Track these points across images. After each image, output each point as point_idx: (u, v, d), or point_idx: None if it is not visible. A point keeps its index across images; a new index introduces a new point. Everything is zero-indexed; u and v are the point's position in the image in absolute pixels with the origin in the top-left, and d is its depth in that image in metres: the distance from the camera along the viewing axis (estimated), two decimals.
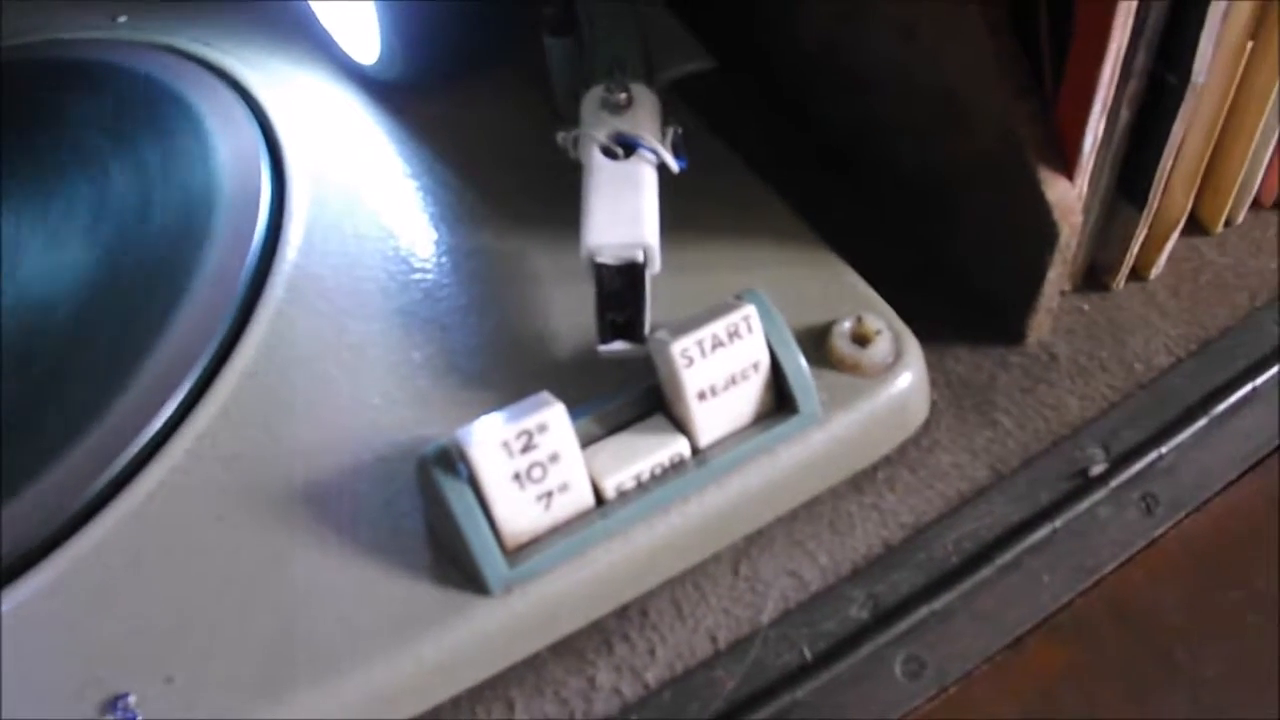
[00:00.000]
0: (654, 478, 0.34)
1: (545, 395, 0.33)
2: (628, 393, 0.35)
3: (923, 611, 0.35)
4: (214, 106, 0.45)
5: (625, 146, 0.37)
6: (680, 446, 0.34)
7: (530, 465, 0.32)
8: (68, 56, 0.50)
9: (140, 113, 0.46)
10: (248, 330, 0.39)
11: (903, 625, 0.35)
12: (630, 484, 0.34)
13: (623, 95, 0.37)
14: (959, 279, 0.42)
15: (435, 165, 0.43)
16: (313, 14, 0.47)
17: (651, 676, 0.34)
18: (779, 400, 0.35)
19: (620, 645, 0.35)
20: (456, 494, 0.32)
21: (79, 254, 0.42)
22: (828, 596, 0.35)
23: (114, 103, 0.47)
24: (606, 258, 0.35)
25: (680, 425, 0.35)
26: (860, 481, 0.38)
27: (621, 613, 0.35)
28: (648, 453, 0.34)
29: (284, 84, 0.47)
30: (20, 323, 0.40)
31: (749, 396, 0.35)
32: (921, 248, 0.44)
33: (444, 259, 0.40)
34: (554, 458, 0.32)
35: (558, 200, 0.38)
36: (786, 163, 0.43)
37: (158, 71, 0.47)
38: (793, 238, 0.40)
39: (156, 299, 0.39)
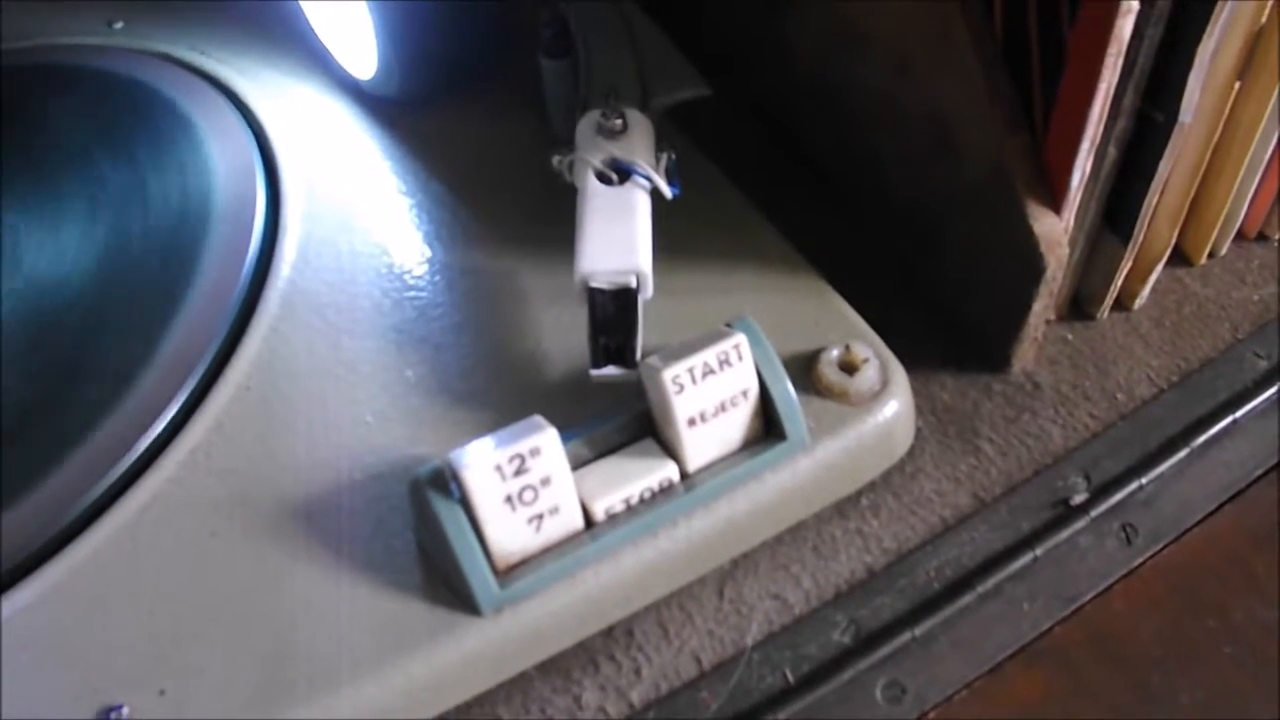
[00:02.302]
0: (643, 501, 0.34)
1: (537, 419, 0.33)
2: (618, 416, 0.35)
3: (904, 637, 0.36)
4: (210, 117, 0.46)
5: (619, 172, 0.37)
6: (669, 471, 0.35)
7: (522, 488, 0.33)
8: (63, 62, 0.50)
9: (136, 121, 0.46)
10: (242, 344, 0.39)
11: (884, 650, 0.35)
12: (620, 507, 0.34)
13: (618, 121, 0.38)
14: (945, 307, 0.43)
15: (429, 182, 0.43)
16: (309, 27, 0.47)
17: (637, 696, 0.35)
18: (767, 426, 0.36)
19: (606, 665, 0.35)
20: (449, 515, 0.32)
21: (74, 263, 0.42)
22: (811, 620, 0.36)
23: (110, 110, 0.47)
24: (600, 283, 0.35)
25: (670, 450, 0.35)
26: (845, 507, 0.38)
27: (608, 633, 0.36)
28: (637, 477, 0.34)
29: (279, 95, 0.47)
30: (17, 333, 0.40)
31: (738, 423, 0.35)
32: (909, 275, 0.44)
33: (438, 277, 0.40)
34: (545, 481, 0.33)
35: (551, 220, 0.39)
36: (778, 187, 0.43)
37: (154, 80, 0.48)
38: (783, 263, 0.40)
39: (153, 311, 0.40)
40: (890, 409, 0.37)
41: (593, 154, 0.37)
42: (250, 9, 0.51)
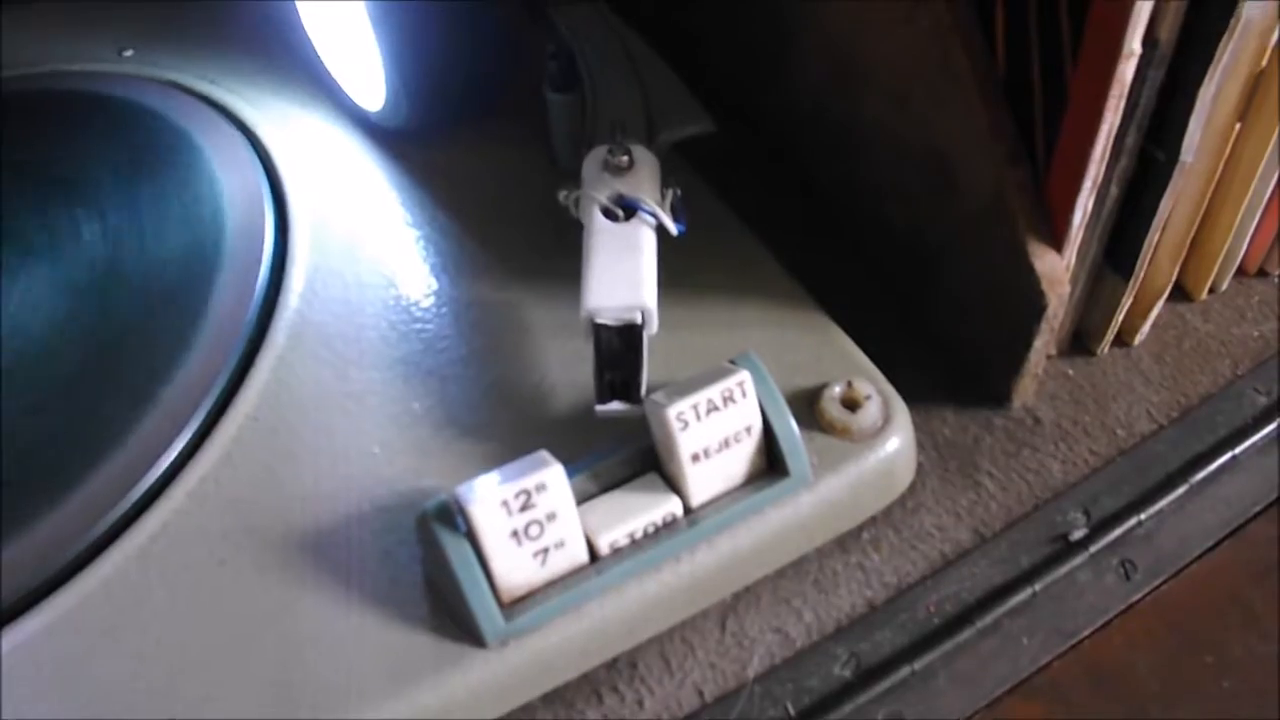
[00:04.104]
0: (647, 536, 0.35)
1: (544, 455, 0.34)
2: (621, 451, 0.36)
3: (904, 671, 0.36)
4: (219, 146, 0.46)
5: (625, 208, 0.38)
6: (673, 506, 0.35)
7: (528, 523, 0.33)
8: (72, 88, 0.50)
9: (146, 149, 0.47)
10: (250, 375, 0.39)
11: (884, 684, 0.36)
12: (624, 541, 0.35)
13: (624, 158, 0.38)
14: (946, 341, 0.43)
15: (436, 213, 0.44)
16: (317, 58, 0.47)
17: None
18: (770, 462, 0.36)
19: (609, 696, 0.36)
20: (455, 549, 0.32)
21: (82, 291, 0.42)
22: (812, 653, 0.36)
23: (119, 138, 0.47)
24: (606, 319, 0.36)
25: (673, 485, 0.35)
26: (846, 541, 0.38)
27: (611, 665, 0.36)
28: (641, 511, 0.35)
29: (287, 125, 0.47)
30: (23, 361, 0.41)
31: (741, 458, 0.36)
32: (910, 309, 0.45)
33: (444, 309, 0.41)
34: (551, 516, 0.33)
35: (557, 253, 0.39)
36: (780, 221, 0.44)
37: (163, 108, 0.48)
38: (786, 298, 0.40)
39: (162, 342, 0.40)
40: (892, 445, 0.37)
41: (599, 190, 0.38)
42: (260, 39, 0.51)
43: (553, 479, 0.33)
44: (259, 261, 0.42)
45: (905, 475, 0.38)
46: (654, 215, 0.37)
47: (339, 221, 0.44)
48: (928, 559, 0.38)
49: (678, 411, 0.34)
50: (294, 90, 0.49)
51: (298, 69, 0.49)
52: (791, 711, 0.35)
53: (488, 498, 0.32)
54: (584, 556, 0.34)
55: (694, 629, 0.37)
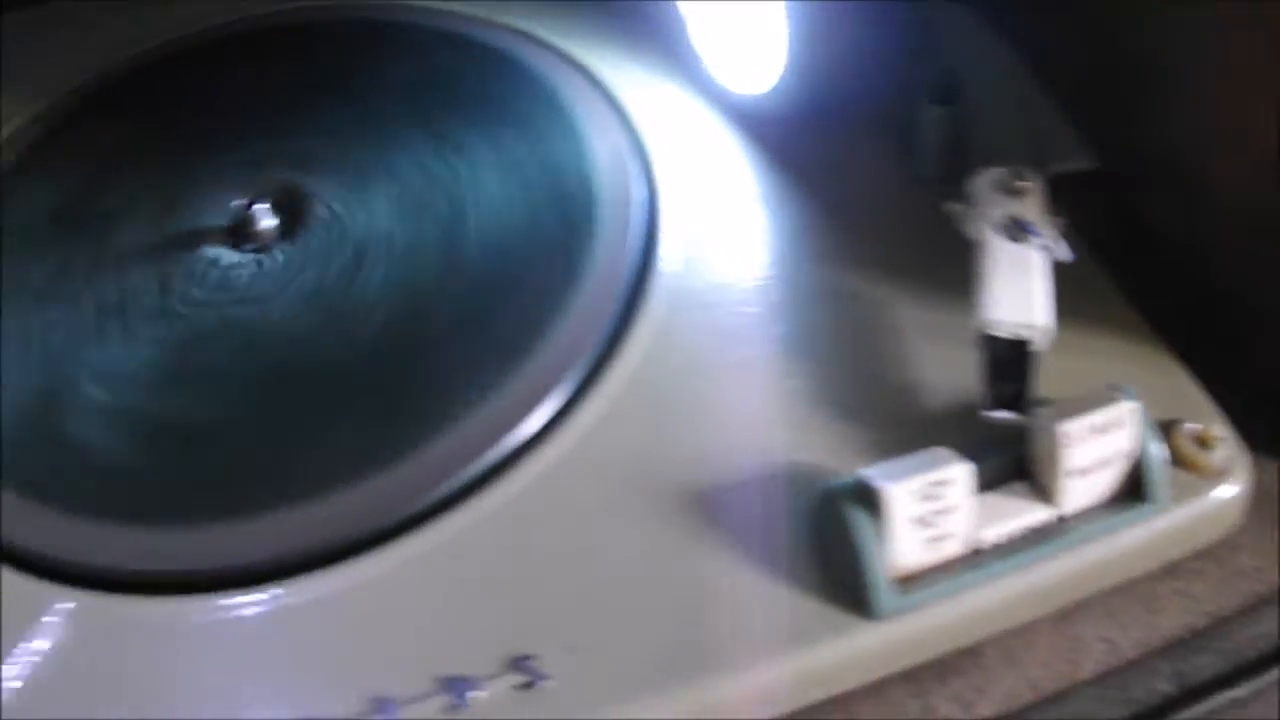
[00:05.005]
0: (1022, 537, 0.38)
1: (945, 451, 0.36)
2: (996, 456, 0.38)
3: (1223, 696, 0.39)
4: (582, 102, 0.48)
5: (1019, 229, 0.40)
6: (1047, 514, 0.38)
7: (930, 512, 0.36)
8: (422, 23, 0.52)
9: (506, 96, 0.49)
10: (631, 332, 0.42)
11: (1204, 705, 0.39)
12: (1002, 540, 0.37)
13: (1022, 182, 0.40)
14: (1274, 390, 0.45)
15: (798, 200, 0.46)
16: (674, 28, 0.49)
17: (980, 711, 0.38)
18: (1131, 485, 0.39)
19: (955, 679, 0.38)
20: (863, 526, 0.35)
21: (464, 228, 0.45)
22: (1138, 666, 0.39)
23: (478, 80, 0.50)
24: (1000, 332, 0.38)
25: (1044, 494, 0.38)
26: (1174, 568, 0.41)
27: (960, 650, 0.39)
28: (1018, 515, 0.38)
29: (646, 91, 0.50)
30: (410, 297, 0.43)
31: (1110, 479, 0.38)
32: (1236, 354, 0.46)
33: (815, 295, 0.43)
34: (950, 509, 0.36)
35: (922, 257, 0.42)
36: (1118, 257, 0.46)
37: (520, 56, 0.50)
38: (1134, 333, 0.43)
39: (542, 291, 0.42)
40: (1234, 486, 0.40)
41: (995, 209, 0.40)
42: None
43: (961, 475, 0.36)
44: (630, 224, 0.44)
45: (1237, 515, 0.41)
46: (1047, 239, 0.40)
47: (704, 195, 0.46)
48: (1244, 595, 0.41)
49: (1068, 431, 0.37)
50: (648, 56, 0.51)
51: (646, 34, 0.51)
52: (1123, 714, 0.38)
53: (903, 484, 0.35)
54: (963, 548, 0.37)
55: (1032, 628, 0.39)
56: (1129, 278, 0.45)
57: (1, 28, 0.57)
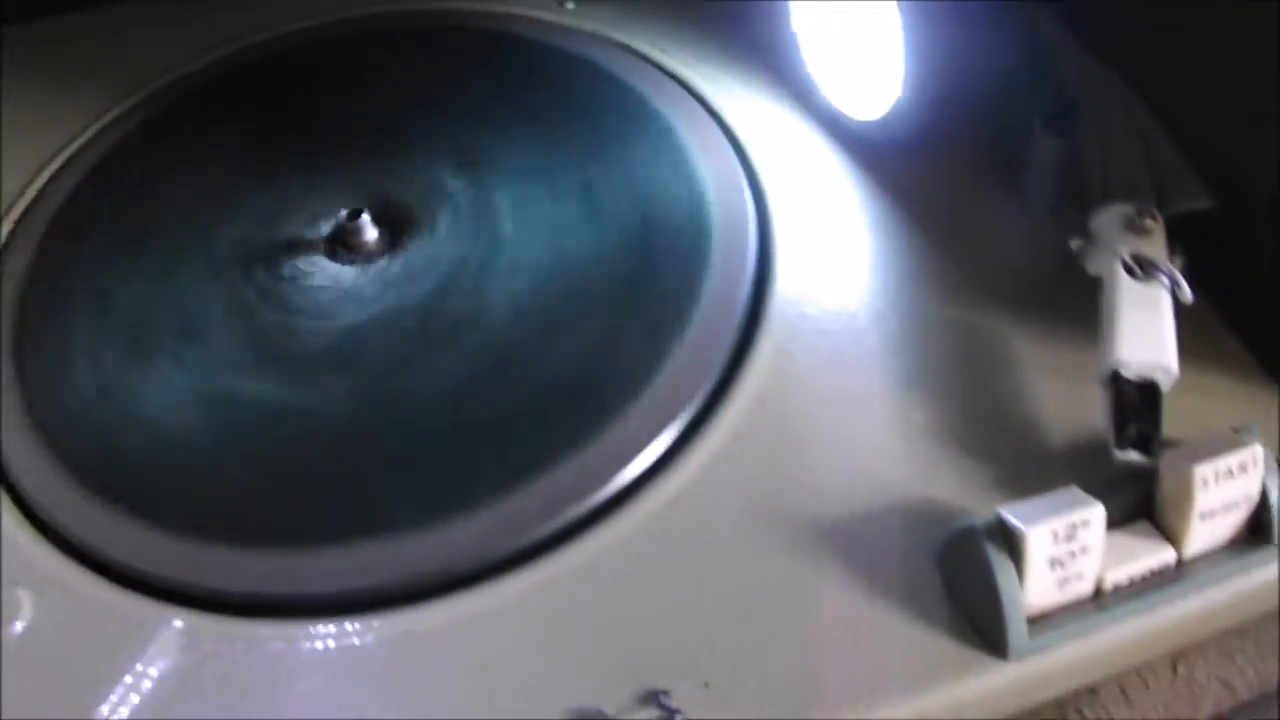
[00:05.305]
0: (1143, 579, 0.38)
1: (1080, 493, 0.36)
2: (1121, 495, 0.38)
3: None
4: (688, 122, 0.48)
5: (1144, 267, 0.40)
6: (1168, 556, 0.38)
7: (1065, 554, 0.36)
8: (518, 33, 0.52)
9: (610, 112, 0.49)
10: (750, 360, 0.42)
11: None
12: (1124, 581, 0.37)
13: (1149, 220, 0.40)
14: None
15: (911, 228, 0.46)
16: (794, 53, 0.49)
17: None
18: (1252, 527, 0.39)
19: (1074, 716, 0.39)
20: (1002, 568, 0.35)
21: (580, 247, 0.44)
22: (1255, 708, 0.39)
23: (579, 95, 0.49)
24: (1130, 373, 0.38)
25: (1168, 534, 0.38)
26: None
27: (1077, 689, 0.39)
28: (1142, 556, 0.38)
29: (754, 112, 0.49)
30: (527, 319, 0.43)
31: (1233, 522, 0.38)
32: None
33: (931, 326, 0.43)
34: (1084, 550, 0.36)
35: (1036, 289, 0.42)
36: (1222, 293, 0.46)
37: (621, 72, 0.50)
38: (1244, 373, 0.43)
39: (665, 310, 0.43)
40: None
41: (1122, 247, 0.40)
42: (712, 14, 0.52)
43: (1096, 517, 0.36)
44: (746, 246, 0.44)
45: None
46: (1172, 279, 0.40)
47: (816, 218, 0.46)
48: None
49: (1203, 474, 0.37)
50: (753, 76, 0.51)
51: (750, 52, 0.51)
52: None
53: (1042, 525, 0.35)
54: (1091, 589, 0.37)
55: (1149, 668, 0.40)
56: (1236, 316, 0.45)
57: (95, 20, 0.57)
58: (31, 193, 0.50)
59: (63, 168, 0.51)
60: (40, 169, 0.51)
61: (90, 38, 0.57)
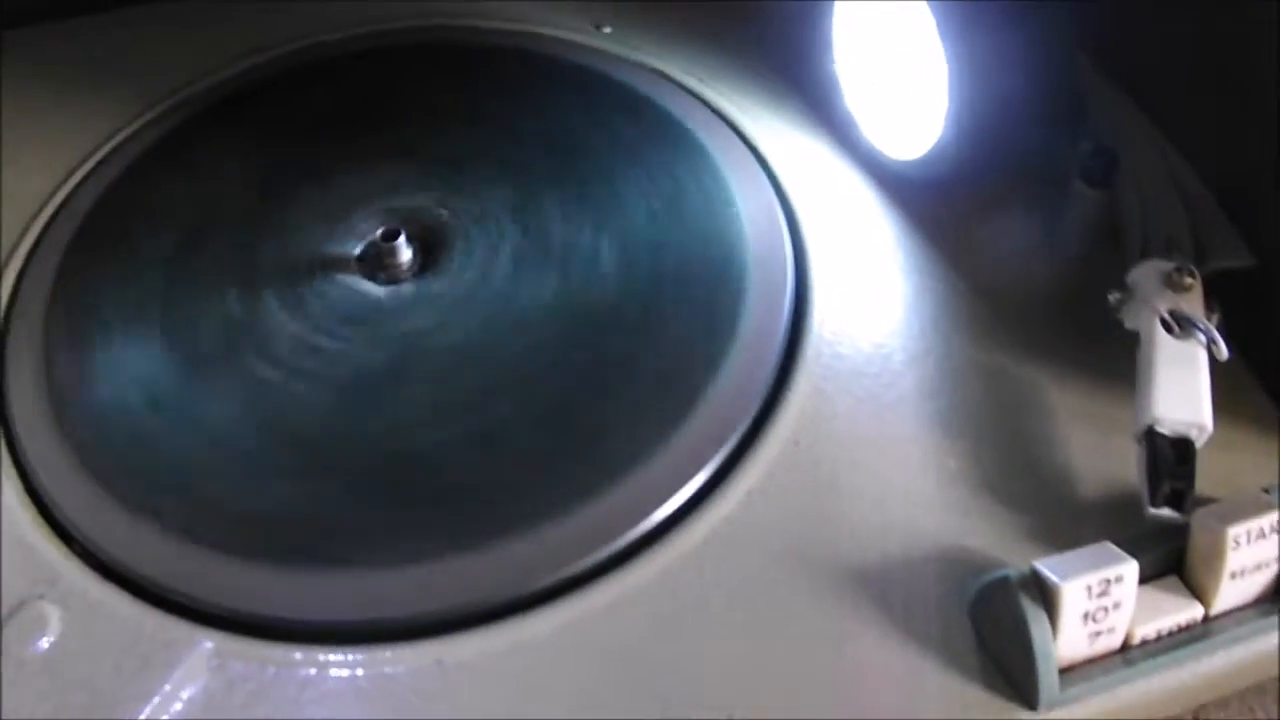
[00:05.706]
0: (1170, 635, 0.38)
1: (1114, 548, 0.37)
2: (1151, 551, 0.39)
3: None
4: (725, 152, 0.48)
5: (1180, 324, 0.40)
6: (1195, 613, 0.38)
7: (1097, 608, 0.36)
8: (554, 54, 0.52)
9: (645, 138, 0.49)
10: (786, 398, 0.42)
11: None
12: (1151, 636, 0.38)
13: (1189, 278, 0.41)
14: None
15: (948, 270, 0.46)
16: (818, 89, 0.49)
17: None
18: (1277, 587, 0.39)
19: None
20: (1037, 620, 0.36)
21: (617, 273, 0.44)
22: None
23: (615, 120, 0.49)
24: (1166, 429, 0.39)
25: (1196, 591, 0.39)
26: None
27: None
28: (1169, 613, 0.38)
29: (790, 147, 0.49)
30: (563, 349, 0.43)
31: (1262, 581, 0.39)
32: None
33: (966, 371, 0.43)
34: (1116, 605, 0.36)
35: (1070, 338, 0.42)
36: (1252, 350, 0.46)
37: (657, 96, 0.50)
38: (1273, 431, 0.43)
39: (701, 347, 0.42)
40: None
41: (1160, 303, 0.40)
42: (751, 45, 0.53)
43: (1129, 573, 0.36)
44: (783, 283, 0.44)
45: None
46: (1209, 336, 0.40)
47: (853, 258, 0.46)
48: None
49: (1235, 534, 0.37)
50: (790, 110, 0.51)
51: (796, 90, 0.51)
52: None
53: (1078, 581, 0.35)
54: (1119, 642, 0.37)
55: None
56: (1268, 373, 0.45)
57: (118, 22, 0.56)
58: (61, 196, 0.50)
59: (92, 171, 0.50)
60: (71, 172, 0.50)
61: (122, 38, 0.57)
